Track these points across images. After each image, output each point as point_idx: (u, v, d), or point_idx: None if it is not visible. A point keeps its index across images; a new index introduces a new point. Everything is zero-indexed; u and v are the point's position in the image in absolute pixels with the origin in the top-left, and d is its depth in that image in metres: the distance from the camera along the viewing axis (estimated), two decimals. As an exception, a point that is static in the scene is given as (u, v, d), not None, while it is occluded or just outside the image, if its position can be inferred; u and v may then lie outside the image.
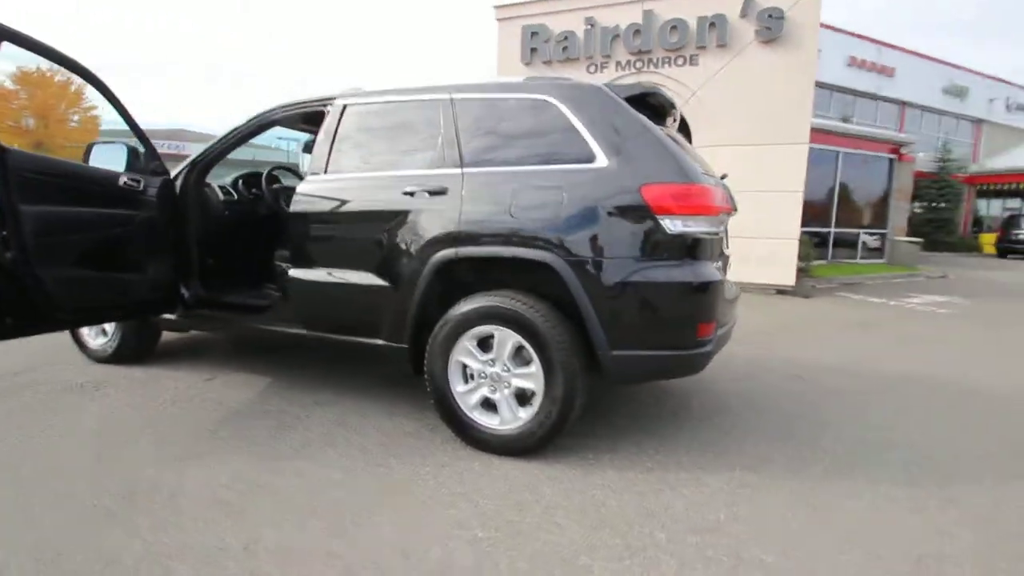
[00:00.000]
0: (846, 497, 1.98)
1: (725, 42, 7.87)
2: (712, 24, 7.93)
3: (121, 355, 3.08)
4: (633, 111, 2.16)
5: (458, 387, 2.27)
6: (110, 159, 2.73)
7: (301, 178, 3.35)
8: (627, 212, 2.03)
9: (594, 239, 2.05)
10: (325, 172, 2.60)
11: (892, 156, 12.76)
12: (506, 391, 2.20)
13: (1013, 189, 19.88)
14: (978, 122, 22.94)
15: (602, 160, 2.09)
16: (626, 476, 2.04)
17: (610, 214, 2.04)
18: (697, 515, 1.81)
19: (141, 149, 2.75)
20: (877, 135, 13.07)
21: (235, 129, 2.85)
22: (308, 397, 2.80)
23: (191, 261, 2.95)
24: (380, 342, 2.44)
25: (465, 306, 2.19)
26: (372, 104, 2.61)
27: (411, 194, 2.33)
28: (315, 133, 3.47)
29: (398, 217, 2.35)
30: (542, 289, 2.16)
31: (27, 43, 2.11)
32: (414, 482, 1.98)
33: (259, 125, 2.86)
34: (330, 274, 2.54)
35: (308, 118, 3.01)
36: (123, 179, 2.52)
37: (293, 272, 2.64)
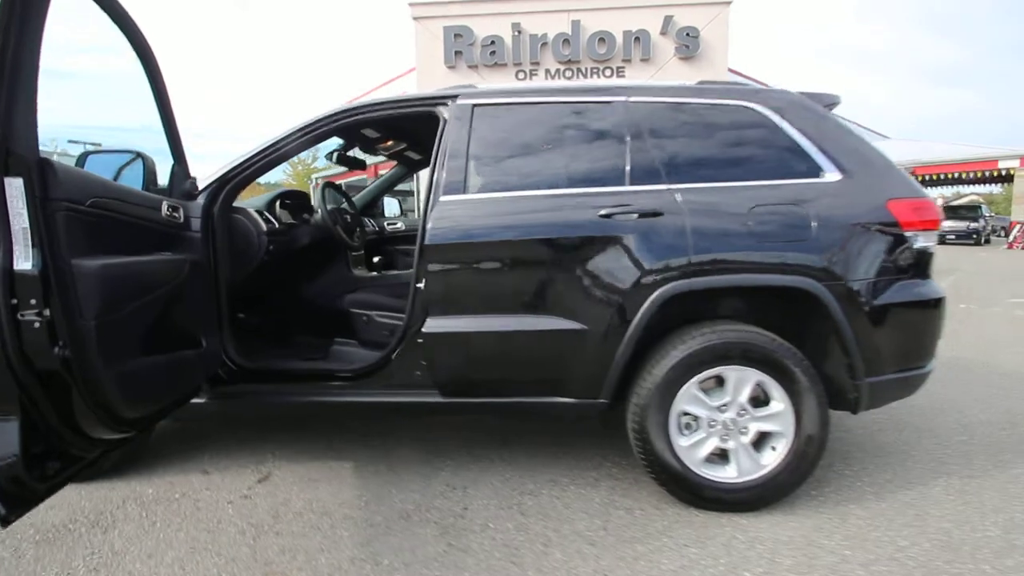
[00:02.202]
0: None
1: (648, 56, 8.39)
2: (637, 39, 8.39)
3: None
4: (839, 119, 2.03)
5: (680, 441, 1.91)
6: (119, 178, 1.78)
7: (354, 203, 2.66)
8: (877, 229, 1.89)
9: (849, 260, 1.87)
10: (464, 191, 2.02)
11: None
12: (743, 438, 1.90)
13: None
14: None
15: (833, 173, 1.92)
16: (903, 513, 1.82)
17: (860, 232, 1.88)
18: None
19: (158, 162, 1.84)
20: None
21: (285, 139, 2.06)
22: (431, 479, 1.97)
23: (222, 316, 2.08)
24: (565, 400, 1.96)
25: (692, 345, 1.84)
26: (514, 105, 2.09)
27: (608, 216, 1.91)
28: (373, 142, 2.73)
29: (595, 245, 1.89)
30: (772, 319, 1.92)
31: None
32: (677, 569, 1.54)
33: (324, 131, 2.11)
34: (492, 321, 1.96)
35: (393, 122, 2.32)
36: (165, 207, 1.61)
37: (431, 323, 1.99)
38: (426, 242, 1.92)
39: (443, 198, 1.95)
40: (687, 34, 8.12)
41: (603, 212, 1.92)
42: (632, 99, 2.02)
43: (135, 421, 1.43)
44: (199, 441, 2.38)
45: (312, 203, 2.61)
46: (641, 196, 1.91)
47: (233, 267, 2.12)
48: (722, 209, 1.89)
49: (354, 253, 2.76)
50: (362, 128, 2.33)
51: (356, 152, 2.92)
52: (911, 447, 2.31)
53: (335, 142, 2.79)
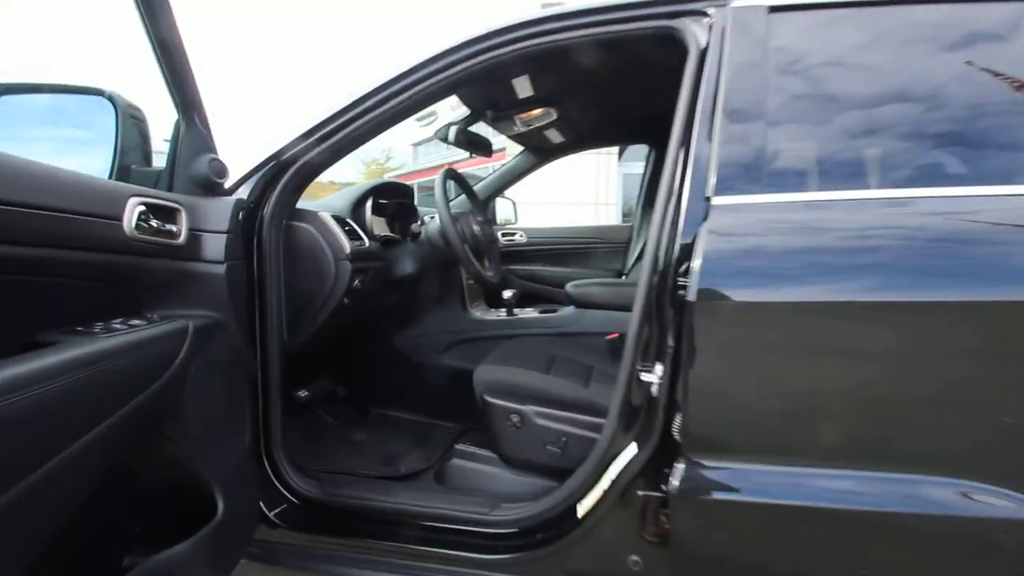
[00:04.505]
0: None
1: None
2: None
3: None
4: None
5: None
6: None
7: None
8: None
9: None
10: (766, 186, 0.93)
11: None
12: None
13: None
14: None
15: None
16: None
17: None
18: None
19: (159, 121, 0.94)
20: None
21: (399, 82, 1.09)
22: None
23: (271, 424, 1.14)
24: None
25: None
26: (872, 6, 1.01)
27: None
28: (515, 108, 1.69)
29: None
30: None
31: None
32: None
33: (473, 67, 1.10)
34: (860, 487, 0.88)
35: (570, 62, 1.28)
36: (133, 214, 0.72)
37: (695, 475, 0.94)
38: (691, 296, 0.85)
39: (719, 200, 0.87)
40: None
41: None
42: None
43: None
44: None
45: (416, 205, 1.63)
46: None
47: (294, 324, 1.15)
48: None
49: (487, 288, 1.76)
50: (543, 61, 1.27)
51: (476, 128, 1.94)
52: None
53: (446, 115, 1.82)
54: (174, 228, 0.79)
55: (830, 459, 0.82)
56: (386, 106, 1.05)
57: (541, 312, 1.76)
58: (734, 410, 0.85)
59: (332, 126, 1.09)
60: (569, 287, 1.72)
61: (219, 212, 0.89)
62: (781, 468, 0.83)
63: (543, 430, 1.19)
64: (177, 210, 0.81)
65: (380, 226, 1.41)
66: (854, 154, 0.88)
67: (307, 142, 1.09)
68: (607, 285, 1.76)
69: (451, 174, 1.44)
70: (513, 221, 2.53)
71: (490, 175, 2.29)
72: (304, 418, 1.51)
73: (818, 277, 0.80)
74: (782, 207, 0.84)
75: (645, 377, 0.94)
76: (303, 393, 1.44)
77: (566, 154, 2.31)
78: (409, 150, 17.57)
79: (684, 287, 0.85)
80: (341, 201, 1.38)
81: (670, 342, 0.90)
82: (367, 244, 1.30)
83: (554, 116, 1.72)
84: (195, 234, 0.84)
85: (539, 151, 2.25)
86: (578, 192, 5.99)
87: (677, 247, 0.89)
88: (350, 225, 1.30)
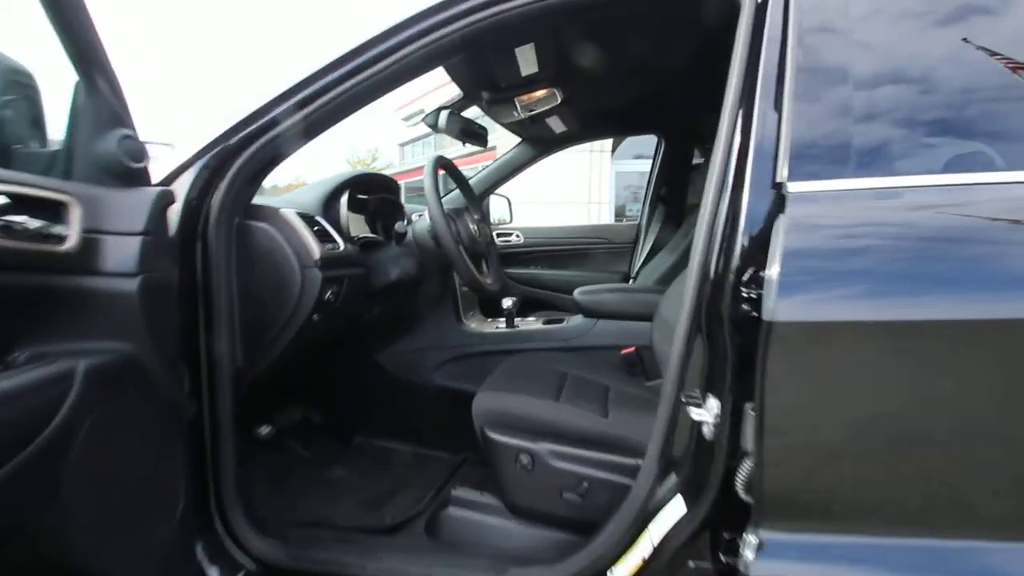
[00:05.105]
0: None
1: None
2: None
3: None
4: None
5: None
6: None
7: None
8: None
9: None
10: (857, 167, 0.73)
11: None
12: None
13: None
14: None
15: None
16: None
17: None
18: None
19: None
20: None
21: (375, 46, 0.86)
22: None
23: (221, 482, 0.91)
24: None
25: None
26: None
27: None
28: (515, 89, 1.44)
29: None
30: None
31: None
32: None
33: (468, 28, 0.86)
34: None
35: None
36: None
37: (774, 562, 0.72)
38: (768, 312, 0.63)
39: (797, 187, 0.67)
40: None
41: None
42: None
43: None
44: None
45: (403, 201, 1.40)
46: None
47: (252, 348, 0.92)
48: None
49: (485, 297, 1.54)
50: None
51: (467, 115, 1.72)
52: None
53: (434, 98, 1.62)
54: (59, 230, 0.56)
55: (982, 529, 0.62)
56: (367, 72, 0.82)
57: (546, 323, 1.55)
58: (839, 464, 0.64)
59: (298, 97, 0.86)
60: (578, 294, 1.51)
61: (133, 208, 0.66)
62: (913, 542, 0.62)
63: (559, 473, 0.97)
64: (64, 204, 0.58)
65: (359, 225, 1.18)
66: (984, 124, 0.67)
67: (266, 118, 0.87)
68: (621, 291, 1.56)
69: (443, 162, 1.22)
70: (508, 220, 2.31)
71: (479, 172, 2.07)
72: (272, 453, 1.28)
73: (954, 286, 0.59)
74: (889, 194, 0.64)
75: (696, 415, 0.73)
76: (266, 429, 1.21)
77: (567, 145, 2.11)
78: (396, 150, 17.22)
79: (749, 299, 0.65)
80: (310, 196, 1.14)
81: (729, 370, 0.69)
82: (342, 247, 1.07)
83: (558, 100, 1.51)
84: (93, 238, 0.60)
85: (538, 143, 2.04)
86: (570, 191, 5.80)
87: (738, 249, 0.68)
88: (320, 225, 1.07)
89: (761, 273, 0.65)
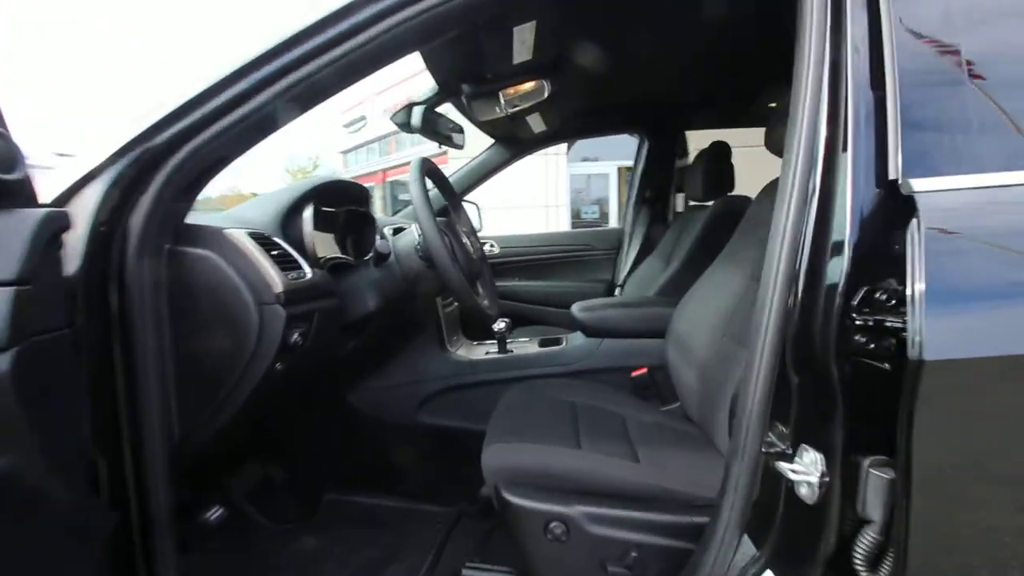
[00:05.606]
0: None
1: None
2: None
3: None
4: None
5: None
6: None
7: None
8: None
9: None
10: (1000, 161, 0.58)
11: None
12: None
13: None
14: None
15: None
16: None
17: None
18: None
19: None
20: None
21: (326, 27, 0.65)
22: None
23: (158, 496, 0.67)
24: None
25: None
26: None
27: None
28: (500, 81, 1.22)
29: None
30: None
31: None
32: None
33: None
34: None
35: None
36: None
37: None
38: (916, 348, 0.47)
39: (923, 184, 0.52)
40: None
41: None
42: None
43: None
44: None
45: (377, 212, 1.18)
46: None
47: (193, 416, 0.68)
48: None
49: (480, 323, 1.34)
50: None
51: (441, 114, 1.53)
52: None
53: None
54: None
55: None
56: (346, 46, 0.62)
57: (542, 344, 1.37)
58: (1010, 539, 0.50)
59: (241, 87, 0.64)
60: (578, 312, 1.34)
61: (3, 241, 0.43)
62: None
63: (600, 542, 0.80)
64: None
65: (326, 245, 0.96)
66: None
67: (206, 109, 0.64)
68: (623, 307, 1.40)
69: (428, 166, 1.01)
70: (478, 229, 2.12)
71: (463, 168, 1.88)
72: (224, 532, 1.02)
73: None
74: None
75: (792, 473, 0.58)
76: (216, 513, 0.96)
77: (543, 147, 1.95)
78: (338, 157, 16.53)
79: (866, 328, 0.51)
80: (263, 210, 0.90)
81: (839, 418, 0.55)
82: (308, 275, 0.84)
83: (546, 93, 1.34)
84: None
85: (512, 144, 1.86)
86: (528, 194, 5.66)
87: (840, 265, 0.54)
88: (280, 247, 0.84)
89: (879, 295, 0.51)
